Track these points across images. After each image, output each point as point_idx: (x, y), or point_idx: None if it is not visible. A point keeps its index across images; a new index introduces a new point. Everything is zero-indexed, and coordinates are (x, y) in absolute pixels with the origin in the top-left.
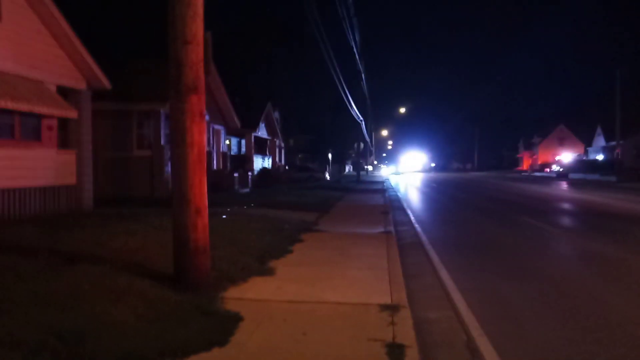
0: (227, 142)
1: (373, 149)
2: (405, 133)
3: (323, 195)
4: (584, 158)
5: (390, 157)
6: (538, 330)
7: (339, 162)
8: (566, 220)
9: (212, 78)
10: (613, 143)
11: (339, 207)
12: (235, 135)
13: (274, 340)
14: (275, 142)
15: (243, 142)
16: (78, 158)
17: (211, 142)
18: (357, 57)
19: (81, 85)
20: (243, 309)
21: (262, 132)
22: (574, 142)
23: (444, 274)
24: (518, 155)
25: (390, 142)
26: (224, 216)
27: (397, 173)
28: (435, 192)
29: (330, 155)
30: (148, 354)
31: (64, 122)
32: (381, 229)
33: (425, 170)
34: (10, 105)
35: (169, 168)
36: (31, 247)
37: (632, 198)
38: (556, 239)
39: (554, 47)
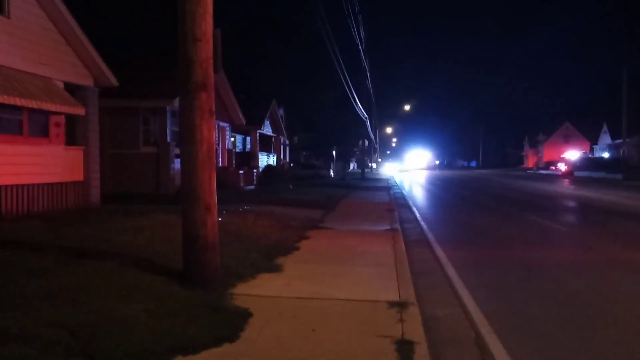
0: (232, 139)
1: (377, 147)
2: (410, 130)
3: (328, 193)
4: (590, 156)
5: (394, 155)
6: (546, 327)
7: (344, 159)
8: (572, 218)
9: (217, 75)
10: (619, 141)
11: (345, 205)
12: (241, 133)
13: (283, 337)
14: (280, 139)
15: (248, 139)
16: (85, 155)
17: (217, 139)
18: (361, 53)
19: (88, 82)
20: (252, 305)
21: (267, 130)
22: (580, 140)
23: (451, 271)
24: (523, 153)
25: (394, 140)
26: (224, 212)
27: (401, 170)
28: (440, 189)
29: (334, 153)
30: (159, 349)
31: (71, 119)
32: (387, 227)
33: (429, 168)
34: (19, 102)
35: (175, 165)
36: (41, 243)
37: (638, 196)
38: (563, 237)
39: (560, 45)
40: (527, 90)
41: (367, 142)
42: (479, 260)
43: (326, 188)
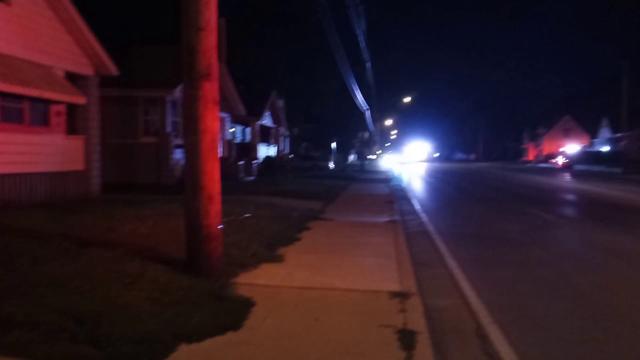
0: (232, 130)
1: (377, 138)
2: (409, 122)
3: (328, 184)
4: (589, 149)
5: (394, 147)
6: (546, 318)
7: (343, 151)
8: (571, 211)
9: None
10: (619, 135)
11: (345, 196)
12: (240, 123)
13: (286, 325)
14: (279, 130)
15: (248, 130)
16: (86, 144)
17: None
18: (362, 45)
19: (89, 71)
20: (255, 295)
21: (267, 121)
22: (580, 133)
23: (452, 262)
24: (523, 146)
25: (394, 132)
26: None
27: (401, 162)
28: (440, 182)
29: (334, 144)
30: (164, 336)
31: (71, 108)
32: (387, 218)
33: (429, 160)
34: (19, 90)
35: (175, 155)
36: (44, 232)
37: (637, 190)
38: (562, 230)
39: (560, 38)
40: (528, 82)
41: (367, 134)
42: (479, 251)
43: (326, 179)
